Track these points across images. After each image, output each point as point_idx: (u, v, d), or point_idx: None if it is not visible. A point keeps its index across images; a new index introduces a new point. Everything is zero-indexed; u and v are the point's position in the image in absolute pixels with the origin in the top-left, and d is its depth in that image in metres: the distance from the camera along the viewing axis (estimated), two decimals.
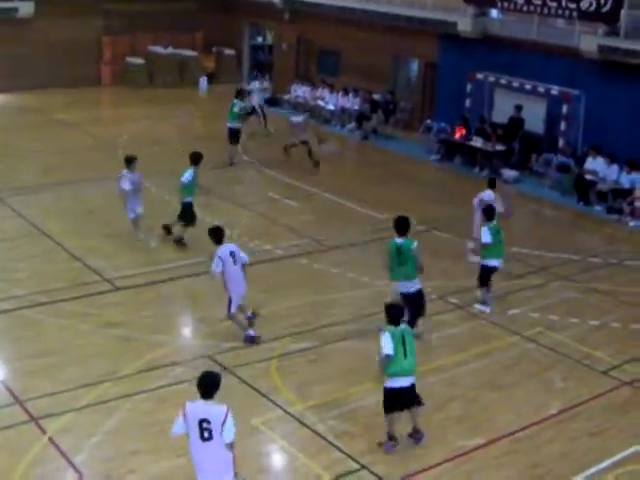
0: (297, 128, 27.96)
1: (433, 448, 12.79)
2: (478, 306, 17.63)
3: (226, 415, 9.75)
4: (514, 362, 15.70)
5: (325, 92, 36.11)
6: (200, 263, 18.52)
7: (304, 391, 14.16)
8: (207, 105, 39.20)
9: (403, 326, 12.51)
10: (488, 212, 17.60)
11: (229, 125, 27.75)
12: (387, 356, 12.16)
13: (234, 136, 27.73)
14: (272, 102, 37.23)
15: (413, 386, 12.50)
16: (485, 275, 17.54)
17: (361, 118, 33.34)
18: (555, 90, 27.87)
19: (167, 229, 20.68)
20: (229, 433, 9.75)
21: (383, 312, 12.64)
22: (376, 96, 33.93)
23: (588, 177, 25.95)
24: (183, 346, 15.95)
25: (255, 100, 33.40)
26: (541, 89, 28.24)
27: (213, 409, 9.85)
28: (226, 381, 13.66)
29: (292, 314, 16.96)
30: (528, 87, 28.57)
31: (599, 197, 25.72)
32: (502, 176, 27.60)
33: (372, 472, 12.07)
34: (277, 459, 12.76)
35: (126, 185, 19.85)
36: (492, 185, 20.28)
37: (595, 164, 25.98)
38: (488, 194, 19.92)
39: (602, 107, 26.84)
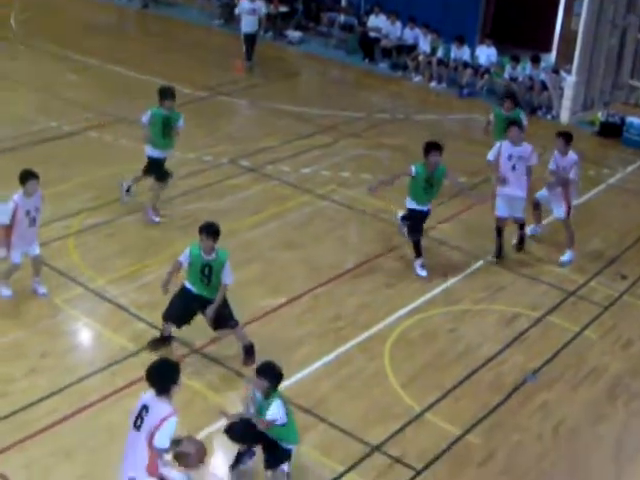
0: None
1: (236, 311, 12.95)
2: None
3: (163, 420, 8.34)
4: (309, 220, 15.99)
5: None
6: None
7: (103, 266, 13.99)
8: None
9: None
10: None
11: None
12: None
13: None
14: None
15: None
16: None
17: None
18: None
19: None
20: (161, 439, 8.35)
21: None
22: None
23: (372, 34, 26.26)
24: None
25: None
26: None
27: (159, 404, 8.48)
28: (26, 262, 13.38)
29: (86, 189, 16.57)
30: None
31: (384, 54, 26.14)
32: (286, 37, 27.63)
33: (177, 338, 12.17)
34: (83, 336, 12.64)
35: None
36: None
37: (378, 21, 26.27)
38: None
39: None
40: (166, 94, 15.26)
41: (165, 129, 15.21)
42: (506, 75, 23.53)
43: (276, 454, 9.64)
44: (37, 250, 13.04)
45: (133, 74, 23.47)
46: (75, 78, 23.20)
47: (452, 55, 24.61)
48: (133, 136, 19.00)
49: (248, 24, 24.87)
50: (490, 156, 14.91)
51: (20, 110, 20.32)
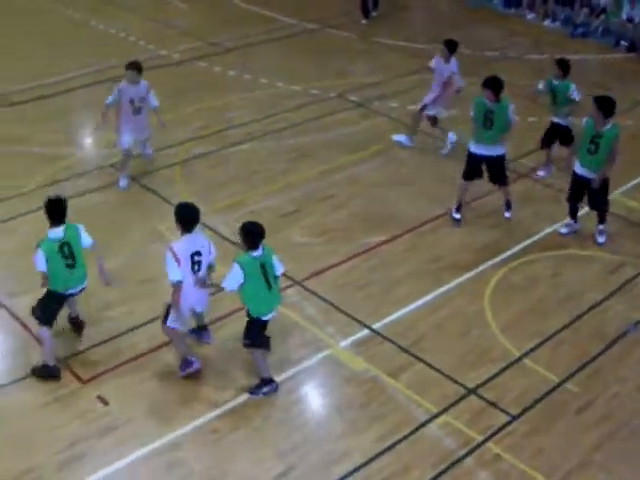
0: None
1: (339, 246, 12.99)
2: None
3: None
4: (415, 157, 15.81)
5: None
6: (98, 71, 18.11)
7: (208, 195, 14.10)
8: None
9: (261, 252, 9.73)
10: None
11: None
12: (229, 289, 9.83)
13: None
14: None
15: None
16: None
17: None
18: None
19: None
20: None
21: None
22: None
23: None
24: (84, 158, 15.65)
25: None
26: None
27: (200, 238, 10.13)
28: (133, 189, 13.65)
29: (193, 119, 16.75)
30: None
31: None
32: None
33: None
34: None
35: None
36: None
37: None
38: None
39: None
40: (500, 83, 13.48)
41: (486, 121, 13.55)
42: (623, 15, 22.83)
43: (247, 326, 9.93)
44: (146, 134, 14.49)
45: (242, 3, 23.43)
46: (185, 7, 23.27)
47: None
48: (239, 67, 19.17)
49: None
50: None
51: (131, 38, 20.52)
